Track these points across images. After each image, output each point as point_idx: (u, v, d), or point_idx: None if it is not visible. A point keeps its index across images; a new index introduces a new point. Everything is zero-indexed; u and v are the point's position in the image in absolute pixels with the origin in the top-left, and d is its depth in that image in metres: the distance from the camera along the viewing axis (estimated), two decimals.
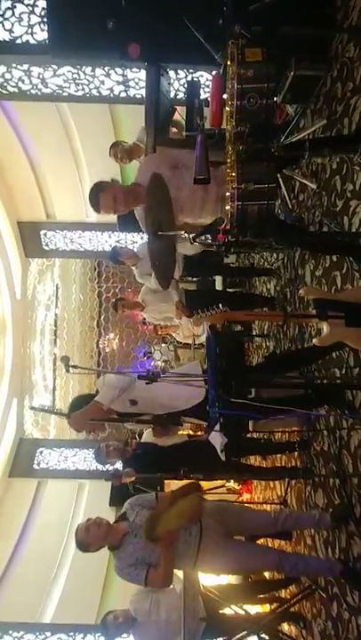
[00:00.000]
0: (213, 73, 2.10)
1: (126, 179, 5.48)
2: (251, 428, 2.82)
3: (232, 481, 4.91)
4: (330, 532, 2.63)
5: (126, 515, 2.35)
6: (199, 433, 3.60)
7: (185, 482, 2.87)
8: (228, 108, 1.72)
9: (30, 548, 5.63)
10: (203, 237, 1.87)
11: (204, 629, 2.71)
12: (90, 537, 2.27)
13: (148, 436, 3.04)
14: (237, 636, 2.89)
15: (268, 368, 2.50)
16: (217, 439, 1.49)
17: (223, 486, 4.96)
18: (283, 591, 3.45)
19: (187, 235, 1.80)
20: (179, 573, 2.69)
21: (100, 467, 5.12)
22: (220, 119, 2.20)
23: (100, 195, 2.26)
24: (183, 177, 2.19)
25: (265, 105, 1.68)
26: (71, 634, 4.26)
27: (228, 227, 1.74)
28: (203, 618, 2.71)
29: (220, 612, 2.98)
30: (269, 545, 3.70)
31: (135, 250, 4.76)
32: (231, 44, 1.61)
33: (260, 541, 3.79)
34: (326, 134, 2.64)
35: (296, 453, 3.23)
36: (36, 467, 6.27)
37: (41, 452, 6.37)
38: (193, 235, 1.85)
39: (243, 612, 3.09)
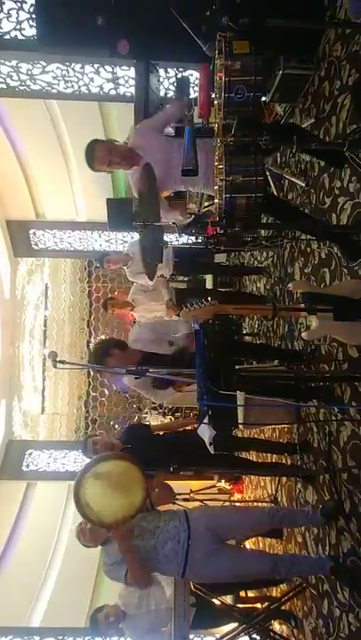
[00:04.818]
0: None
1: (116, 177, 5.46)
2: (241, 425, 2.81)
3: (223, 481, 4.90)
4: (320, 528, 2.63)
5: None
6: (188, 427, 3.58)
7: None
8: (215, 101, 1.72)
9: (19, 551, 5.55)
10: (191, 231, 1.87)
11: (195, 615, 2.70)
12: (86, 539, 2.47)
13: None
14: (228, 636, 2.88)
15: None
16: (205, 432, 1.49)
17: (214, 486, 4.96)
18: (273, 589, 3.44)
19: (175, 225, 1.79)
20: None
21: None
22: (207, 109, 2.23)
23: (95, 146, 2.30)
24: (173, 143, 2.26)
25: (252, 98, 1.67)
26: (60, 637, 4.19)
27: (216, 219, 1.74)
28: (193, 604, 2.69)
29: (210, 600, 2.99)
30: (260, 544, 3.70)
31: (126, 249, 4.74)
32: (219, 36, 1.61)
33: (252, 540, 3.79)
34: (315, 132, 2.66)
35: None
36: (25, 469, 6.18)
37: (30, 454, 6.28)
38: (181, 223, 1.85)
39: (231, 604, 3.10)
